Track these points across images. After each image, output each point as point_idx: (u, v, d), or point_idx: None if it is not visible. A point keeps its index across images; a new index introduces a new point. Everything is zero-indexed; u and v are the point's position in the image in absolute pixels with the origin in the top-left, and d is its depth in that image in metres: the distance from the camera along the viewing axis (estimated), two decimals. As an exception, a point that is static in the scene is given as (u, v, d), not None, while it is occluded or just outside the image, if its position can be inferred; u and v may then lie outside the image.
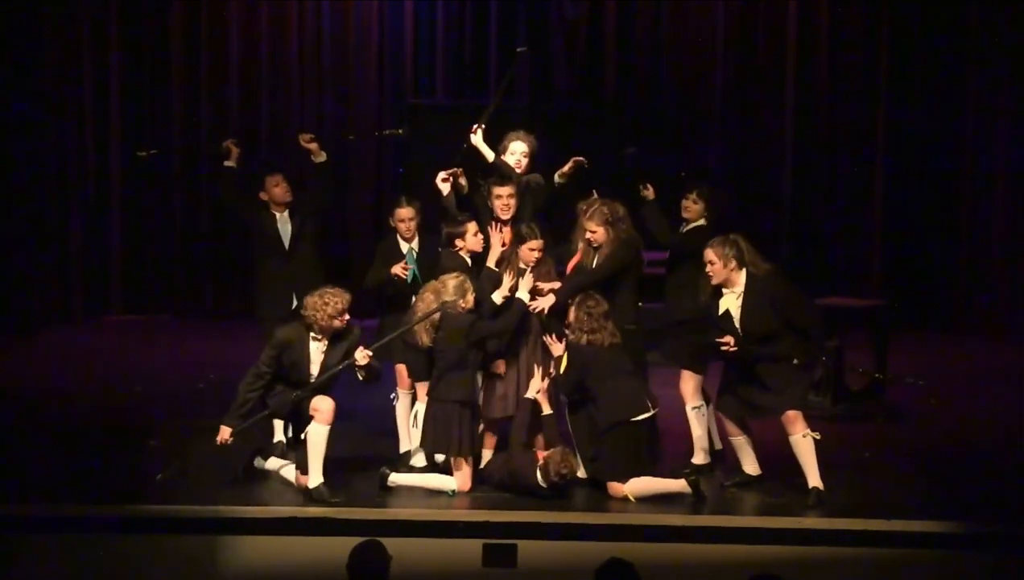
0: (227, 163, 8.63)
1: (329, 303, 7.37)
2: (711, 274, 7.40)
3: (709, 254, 7.39)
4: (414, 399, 8.03)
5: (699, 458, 7.90)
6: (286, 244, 8.46)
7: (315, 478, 7.31)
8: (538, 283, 7.70)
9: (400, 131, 8.56)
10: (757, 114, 13.47)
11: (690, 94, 13.52)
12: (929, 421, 9.48)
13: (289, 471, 7.65)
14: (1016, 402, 9.86)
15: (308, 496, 7.27)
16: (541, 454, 7.48)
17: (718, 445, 8.10)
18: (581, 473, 7.67)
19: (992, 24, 13.03)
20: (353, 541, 5.50)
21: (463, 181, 7.96)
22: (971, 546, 6.96)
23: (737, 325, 7.37)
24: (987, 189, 13.20)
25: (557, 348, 7.62)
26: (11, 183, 12.38)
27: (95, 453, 8.15)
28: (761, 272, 7.40)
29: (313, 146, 8.50)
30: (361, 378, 7.45)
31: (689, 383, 7.90)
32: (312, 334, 7.45)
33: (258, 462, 7.82)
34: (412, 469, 7.79)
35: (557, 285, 7.72)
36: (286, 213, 8.46)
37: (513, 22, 13.62)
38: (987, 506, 7.39)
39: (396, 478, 7.51)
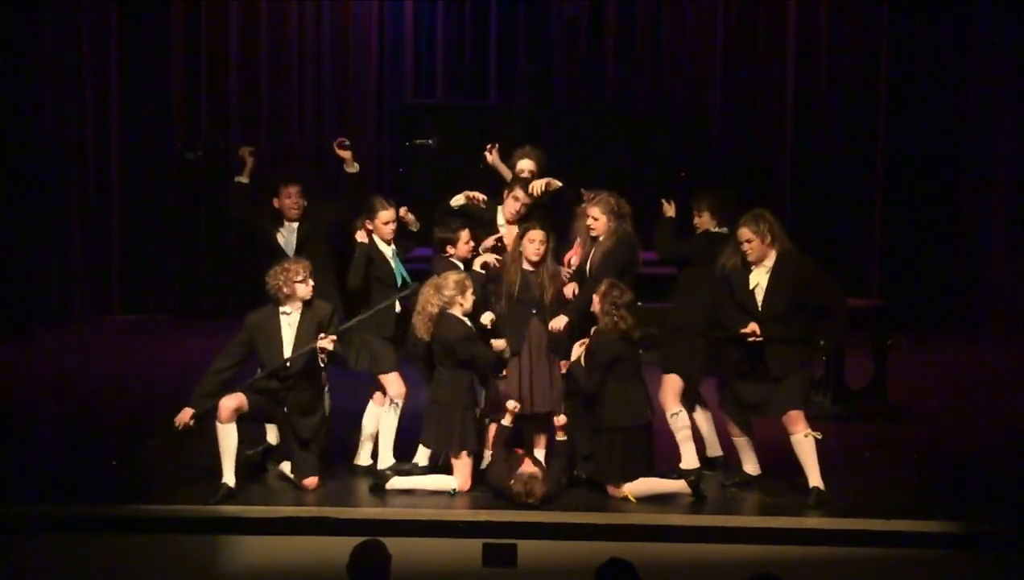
0: (239, 178, 8.51)
1: (289, 269, 7.42)
2: (748, 251, 7.33)
3: (744, 233, 7.33)
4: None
5: (688, 463, 7.77)
6: (291, 254, 8.37)
7: (226, 475, 7.29)
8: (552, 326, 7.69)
9: (430, 141, 8.47)
10: (757, 114, 13.48)
11: (690, 94, 13.53)
12: (929, 421, 9.47)
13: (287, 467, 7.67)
14: (1016, 402, 9.87)
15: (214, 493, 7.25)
16: (523, 464, 7.42)
17: (717, 451, 8.07)
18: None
19: (993, 24, 13.04)
20: (353, 541, 5.51)
21: (480, 201, 7.97)
22: (971, 546, 6.96)
23: (759, 301, 7.35)
24: (987, 189, 13.21)
25: (576, 352, 7.55)
26: (11, 183, 12.38)
27: (95, 453, 8.14)
28: (790, 247, 7.38)
29: (347, 154, 8.34)
30: (322, 364, 7.45)
31: (670, 390, 7.81)
32: (281, 310, 7.44)
33: (270, 463, 7.83)
34: (411, 471, 7.78)
35: (565, 319, 7.66)
36: (294, 224, 8.33)
37: (513, 22, 13.66)
38: (987, 506, 7.39)
39: (397, 481, 7.50)
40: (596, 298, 7.46)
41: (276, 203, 8.35)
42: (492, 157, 8.18)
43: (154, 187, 13.42)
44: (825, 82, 13.38)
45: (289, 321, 7.46)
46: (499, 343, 7.63)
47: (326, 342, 7.38)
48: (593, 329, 7.50)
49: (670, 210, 8.04)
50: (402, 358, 7.92)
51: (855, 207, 13.44)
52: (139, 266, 13.50)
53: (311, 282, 7.46)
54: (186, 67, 13.36)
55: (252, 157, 8.54)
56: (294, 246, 8.29)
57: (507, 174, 8.12)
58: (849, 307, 7.74)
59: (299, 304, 7.46)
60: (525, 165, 8.13)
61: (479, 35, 13.70)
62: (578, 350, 7.52)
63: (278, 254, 8.30)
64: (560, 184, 7.91)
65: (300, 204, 8.30)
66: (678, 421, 7.78)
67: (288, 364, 7.42)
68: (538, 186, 7.86)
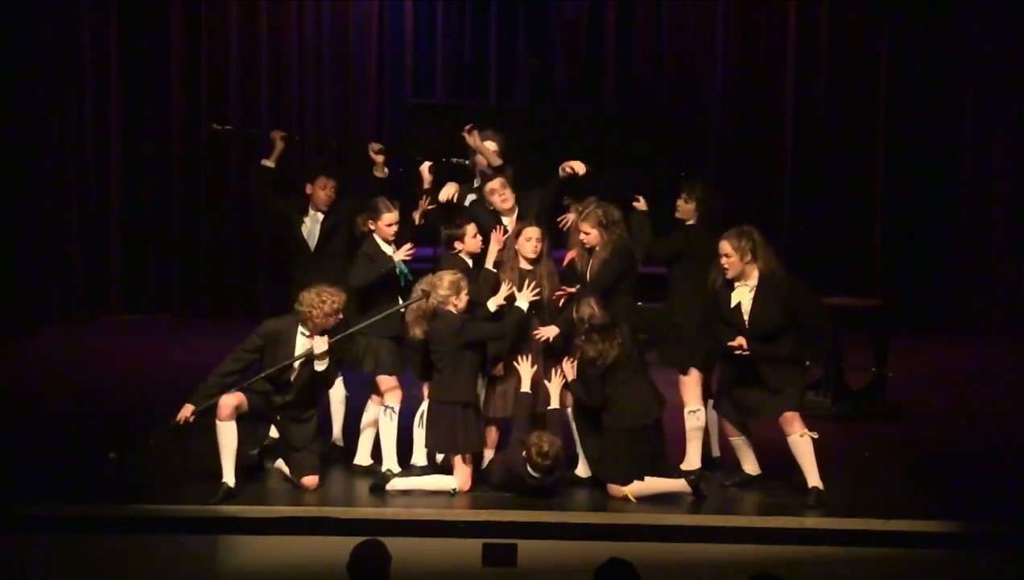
0: (265, 161, 8.56)
1: (326, 302, 7.37)
2: (726, 267, 7.34)
3: (725, 247, 7.33)
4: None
5: (689, 463, 7.78)
6: (312, 246, 8.38)
7: (226, 475, 7.28)
8: (538, 332, 7.67)
9: (467, 161, 8.49)
10: (757, 114, 13.48)
11: (690, 94, 13.53)
12: (929, 421, 9.47)
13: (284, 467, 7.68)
14: (1016, 402, 9.87)
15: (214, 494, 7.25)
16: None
17: (716, 452, 8.08)
18: (583, 471, 7.67)
19: (992, 24, 13.05)
20: (353, 541, 5.50)
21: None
22: (971, 546, 6.96)
23: (745, 319, 7.36)
24: (987, 189, 13.22)
25: (571, 371, 7.55)
26: (11, 183, 12.38)
27: (95, 453, 8.13)
28: (775, 267, 7.38)
29: (380, 159, 8.37)
30: (317, 371, 7.45)
31: (690, 385, 7.85)
32: (302, 330, 7.45)
33: (269, 463, 7.84)
34: (411, 472, 7.78)
35: (555, 330, 7.65)
36: (319, 215, 8.35)
37: (513, 22, 13.65)
38: (987, 506, 7.40)
39: (397, 482, 7.49)
40: (574, 317, 7.47)
41: (308, 189, 8.38)
42: (473, 138, 8.21)
43: (154, 186, 13.42)
44: (825, 82, 13.38)
45: (305, 342, 7.46)
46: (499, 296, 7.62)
47: (320, 343, 7.39)
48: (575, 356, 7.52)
49: (641, 205, 8.05)
50: (406, 360, 7.92)
51: (855, 207, 13.44)
52: (139, 266, 13.50)
53: (340, 315, 7.46)
54: (186, 67, 13.36)
55: (283, 142, 8.60)
56: (316, 237, 8.35)
57: (490, 156, 8.16)
58: (833, 328, 7.74)
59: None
60: (488, 146, 8.21)
61: (479, 35, 13.69)
62: (570, 369, 7.53)
63: (302, 248, 8.38)
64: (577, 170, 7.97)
65: (331, 198, 8.35)
66: (693, 420, 7.80)
67: (292, 366, 7.43)
68: (578, 167, 7.93)
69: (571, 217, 7.98)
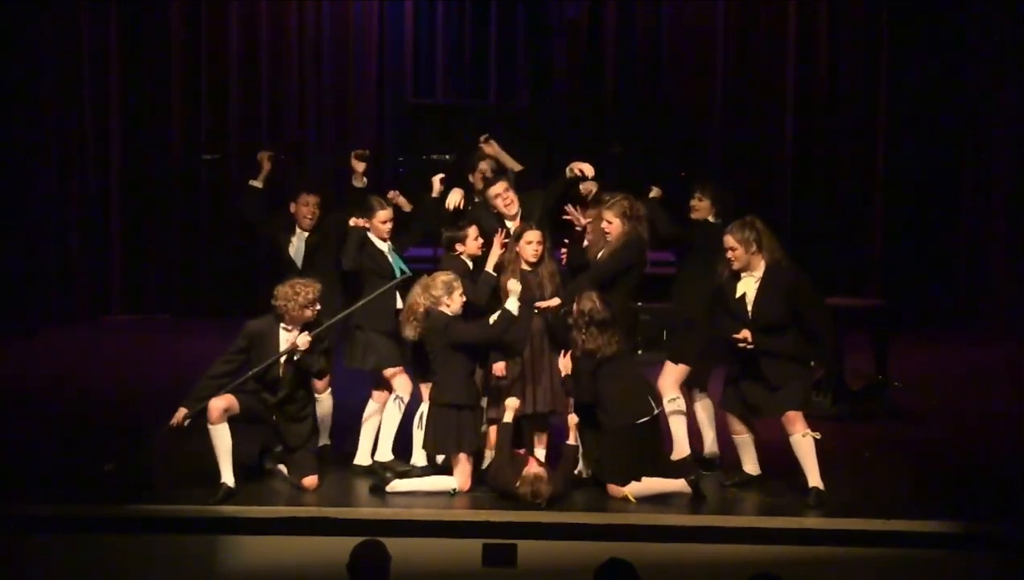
0: (253, 182, 8.53)
1: (300, 293, 7.40)
2: (733, 259, 7.34)
3: (729, 240, 7.34)
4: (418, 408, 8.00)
5: (680, 451, 7.82)
6: (299, 263, 8.36)
7: (225, 475, 7.28)
8: (539, 305, 7.67)
9: (448, 157, 8.45)
10: (757, 114, 13.48)
11: (690, 94, 13.54)
12: (929, 421, 9.47)
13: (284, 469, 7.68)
14: (1016, 402, 9.86)
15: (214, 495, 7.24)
16: (528, 464, 7.43)
17: (714, 450, 8.07)
18: (584, 471, 7.67)
19: (992, 22, 13.05)
20: (353, 541, 5.51)
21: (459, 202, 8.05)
22: (971, 546, 6.96)
23: (749, 309, 7.35)
24: (987, 189, 13.22)
25: (566, 365, 7.55)
26: (11, 183, 12.38)
27: (95, 453, 8.13)
28: (780, 257, 7.39)
29: (360, 167, 8.34)
30: (303, 367, 7.45)
31: (669, 376, 7.87)
32: (282, 325, 7.46)
33: (269, 464, 7.84)
34: (411, 472, 7.77)
35: (557, 301, 7.66)
36: (305, 233, 8.34)
37: (513, 22, 13.67)
38: (987, 506, 7.39)
39: (397, 484, 7.48)
40: (574, 309, 7.47)
41: (292, 208, 8.38)
42: (492, 148, 8.25)
43: (154, 186, 13.42)
44: (825, 82, 13.38)
45: (287, 337, 7.47)
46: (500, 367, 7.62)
47: (303, 342, 7.39)
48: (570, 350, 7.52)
49: (655, 192, 8.06)
50: (406, 356, 7.92)
51: (855, 207, 13.45)
52: (139, 266, 13.51)
53: (318, 306, 7.47)
54: (186, 67, 13.36)
55: (270, 162, 8.58)
56: (303, 255, 8.34)
57: (510, 163, 8.17)
58: (835, 330, 7.74)
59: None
60: (487, 166, 8.26)
61: (479, 35, 13.71)
62: (566, 362, 7.53)
63: (288, 263, 8.36)
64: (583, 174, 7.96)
65: (315, 214, 8.34)
66: (673, 407, 7.83)
67: (278, 363, 7.43)
68: (587, 169, 7.92)
69: (586, 190, 7.95)
